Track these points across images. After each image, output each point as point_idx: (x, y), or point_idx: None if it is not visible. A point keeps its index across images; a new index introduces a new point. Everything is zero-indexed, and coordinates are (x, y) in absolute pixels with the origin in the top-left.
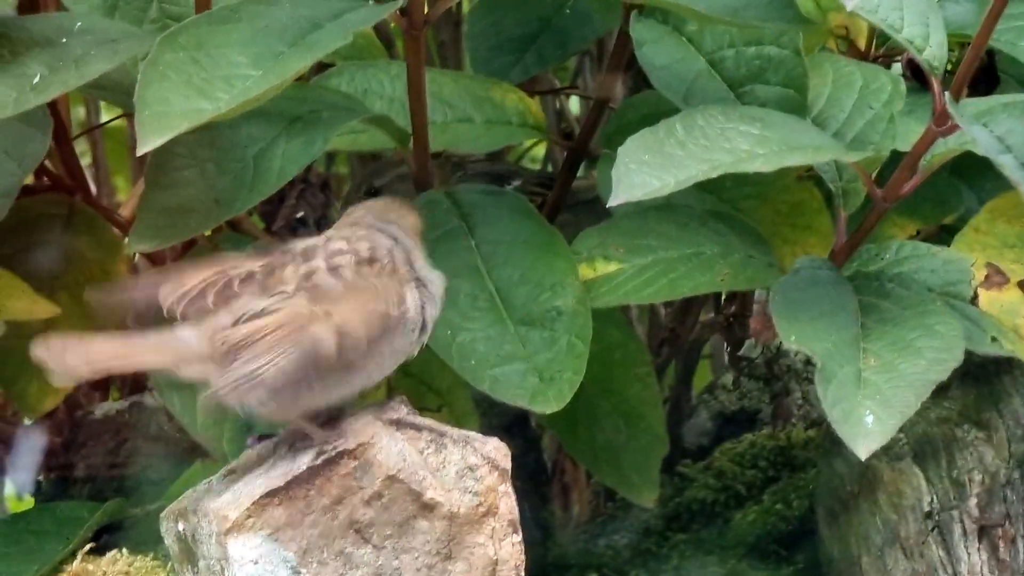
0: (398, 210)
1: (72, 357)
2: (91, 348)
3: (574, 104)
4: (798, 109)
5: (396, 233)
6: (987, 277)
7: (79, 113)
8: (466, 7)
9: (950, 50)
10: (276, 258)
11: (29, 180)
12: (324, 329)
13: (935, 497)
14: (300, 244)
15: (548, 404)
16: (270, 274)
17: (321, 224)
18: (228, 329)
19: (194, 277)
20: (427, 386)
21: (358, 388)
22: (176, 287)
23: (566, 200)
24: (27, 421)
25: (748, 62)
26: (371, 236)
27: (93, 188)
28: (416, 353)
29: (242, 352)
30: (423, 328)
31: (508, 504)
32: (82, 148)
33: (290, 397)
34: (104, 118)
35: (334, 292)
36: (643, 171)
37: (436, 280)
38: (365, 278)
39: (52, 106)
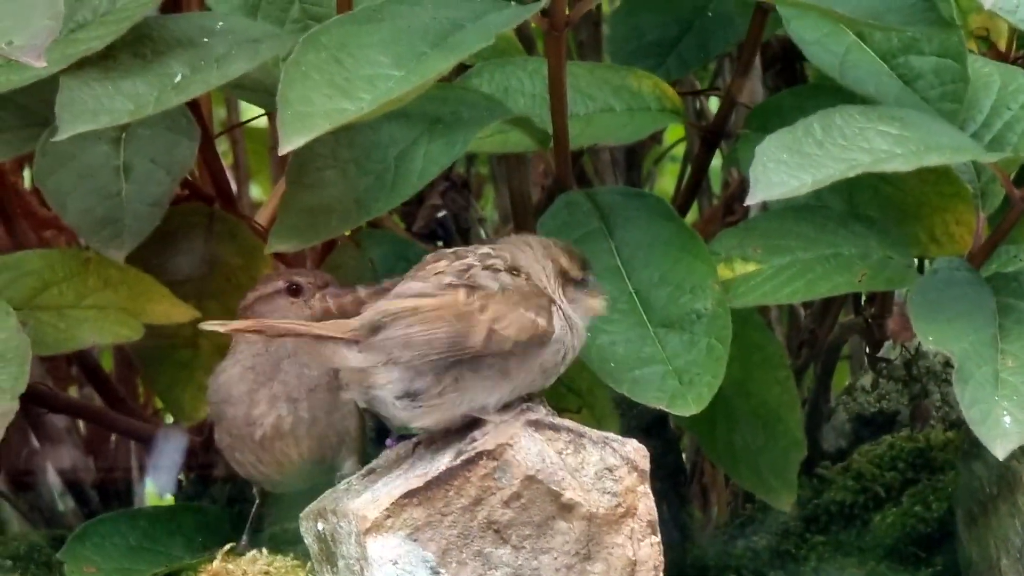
0: (549, 247)
1: (250, 326)
2: (268, 321)
3: (714, 105)
4: (958, 79)
5: (549, 269)
6: None
7: (220, 114)
8: (606, 8)
9: None
10: (423, 262)
11: None
12: (477, 331)
13: None
14: (447, 249)
15: (687, 407)
16: (420, 268)
17: (461, 224)
18: (384, 305)
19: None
20: (567, 387)
21: (506, 396)
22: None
23: (700, 185)
24: (168, 420)
25: (899, 33)
26: (522, 254)
27: (234, 188)
28: (552, 380)
29: (397, 324)
30: (564, 356)
31: (647, 505)
32: (223, 149)
33: (439, 385)
34: (244, 120)
35: (490, 291)
36: (781, 170)
37: (579, 323)
38: (519, 288)
39: (195, 112)
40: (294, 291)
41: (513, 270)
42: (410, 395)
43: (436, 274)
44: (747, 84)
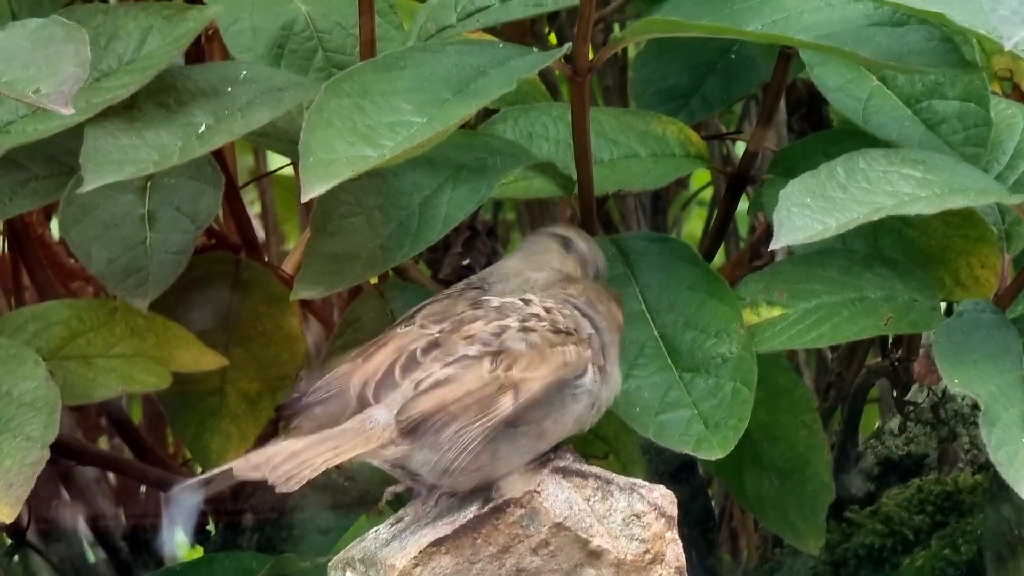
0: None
1: (288, 467)
2: (300, 453)
3: (740, 150)
4: (981, 123)
5: (599, 323)
6: None
7: (247, 162)
8: (631, 53)
9: None
10: (462, 311)
11: None
12: (506, 399)
13: None
14: (496, 300)
15: (713, 451)
16: (455, 331)
17: None
18: (410, 400)
19: (377, 358)
20: (594, 433)
21: (543, 449)
22: (363, 373)
23: (726, 229)
24: (197, 470)
25: (922, 78)
26: (572, 314)
27: (262, 236)
28: (585, 429)
29: (427, 428)
30: (597, 407)
31: (675, 551)
32: (251, 196)
33: (476, 463)
34: (272, 167)
35: (518, 353)
36: (805, 214)
37: (615, 377)
38: (552, 344)
39: (220, 161)
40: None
41: (556, 331)
42: (447, 472)
43: (467, 337)
44: (772, 129)
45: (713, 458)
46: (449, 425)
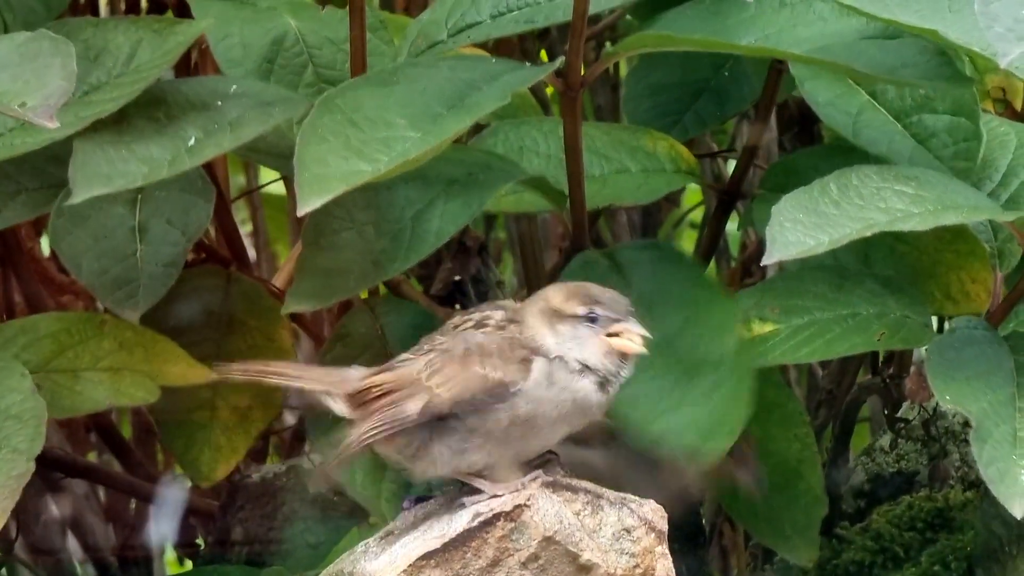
0: (550, 289)
1: (247, 367)
2: (273, 365)
3: (731, 167)
4: (971, 137)
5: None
6: None
7: (239, 181)
8: (624, 70)
9: None
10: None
11: None
12: (414, 401)
13: None
14: (484, 314)
15: (705, 456)
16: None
17: (480, 288)
18: (371, 373)
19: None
20: None
21: (490, 458)
22: None
23: (717, 245)
24: (187, 484)
25: (912, 92)
26: (528, 306)
27: (253, 255)
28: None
29: (362, 403)
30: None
31: (665, 566)
32: (243, 216)
33: (411, 447)
34: (262, 184)
35: (454, 353)
36: (797, 230)
37: (575, 364)
38: (486, 345)
39: (210, 175)
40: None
41: (507, 324)
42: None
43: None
44: (763, 145)
45: (707, 460)
46: (373, 407)
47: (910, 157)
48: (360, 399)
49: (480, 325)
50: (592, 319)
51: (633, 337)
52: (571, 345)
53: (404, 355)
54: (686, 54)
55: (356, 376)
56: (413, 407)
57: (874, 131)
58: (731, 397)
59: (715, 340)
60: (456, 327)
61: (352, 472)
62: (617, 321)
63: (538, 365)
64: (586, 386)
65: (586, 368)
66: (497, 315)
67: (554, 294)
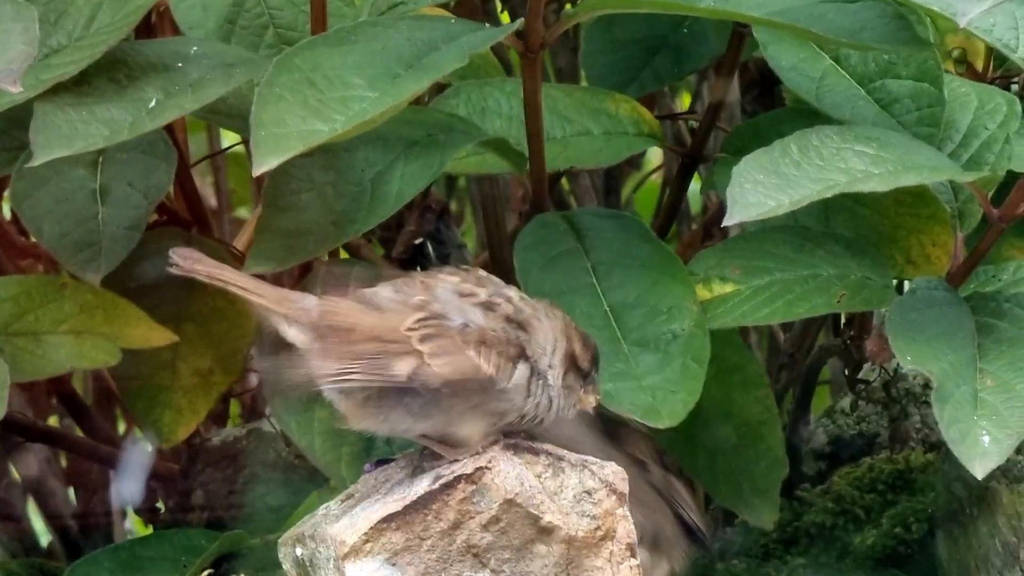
0: (572, 329)
1: (202, 264)
2: (222, 268)
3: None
4: (935, 103)
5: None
6: None
7: (202, 143)
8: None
9: None
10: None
11: None
12: (405, 361)
13: None
14: (484, 272)
15: (660, 421)
16: (431, 275)
17: (441, 250)
18: (337, 305)
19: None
20: None
21: (440, 428)
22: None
23: (679, 208)
24: (147, 448)
25: (876, 57)
26: (540, 319)
27: (215, 217)
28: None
29: (330, 336)
30: (524, 418)
31: (626, 528)
32: (209, 179)
33: (362, 393)
34: (226, 147)
35: (450, 325)
36: (758, 191)
37: (557, 403)
38: (484, 333)
39: (172, 138)
40: None
41: (511, 320)
42: (343, 393)
43: (426, 286)
44: (725, 109)
45: (662, 427)
46: (344, 347)
47: (873, 122)
48: (331, 333)
49: (488, 306)
50: (588, 377)
51: (594, 398)
52: (564, 392)
53: (375, 289)
54: (646, 12)
55: (314, 304)
56: (402, 368)
57: (837, 96)
58: (681, 375)
59: (670, 317)
60: (447, 283)
61: (311, 436)
62: (596, 384)
63: (521, 371)
64: (550, 418)
65: (556, 405)
66: (510, 299)
67: (575, 337)
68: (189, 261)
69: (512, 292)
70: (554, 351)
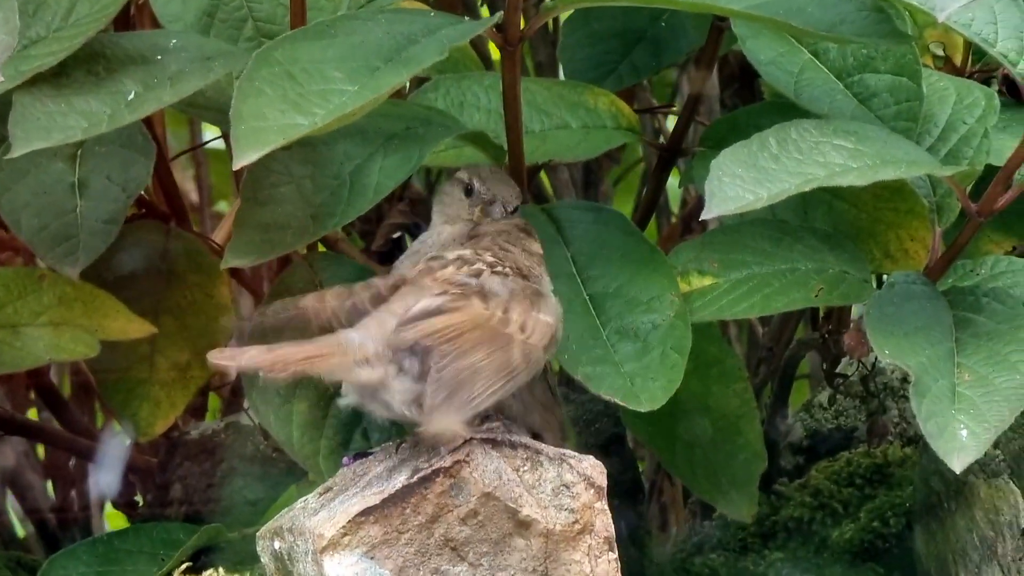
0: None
1: (264, 359)
2: (276, 351)
3: (671, 124)
4: (913, 97)
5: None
6: None
7: (183, 138)
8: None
9: None
10: (424, 266)
11: None
12: (514, 339)
13: None
14: (449, 253)
15: (640, 405)
16: (426, 275)
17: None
18: (403, 326)
19: (338, 297)
20: None
21: (508, 392)
22: (323, 304)
23: (657, 201)
24: (124, 440)
25: (854, 51)
26: (518, 254)
27: (196, 211)
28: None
29: (430, 348)
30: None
31: (604, 521)
32: (189, 172)
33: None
34: (206, 140)
35: (502, 297)
36: (736, 184)
37: (556, 304)
38: (524, 289)
39: (150, 131)
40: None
41: (519, 274)
42: (420, 403)
43: (444, 280)
44: (704, 103)
45: (642, 410)
46: (460, 361)
47: (851, 116)
48: (430, 354)
49: (499, 272)
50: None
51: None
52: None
53: (414, 301)
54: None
55: (356, 336)
56: (518, 358)
57: (816, 90)
58: (660, 363)
59: (650, 308)
60: (454, 272)
61: (289, 430)
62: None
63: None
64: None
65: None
66: (502, 256)
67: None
68: (242, 360)
69: (489, 256)
70: (540, 266)
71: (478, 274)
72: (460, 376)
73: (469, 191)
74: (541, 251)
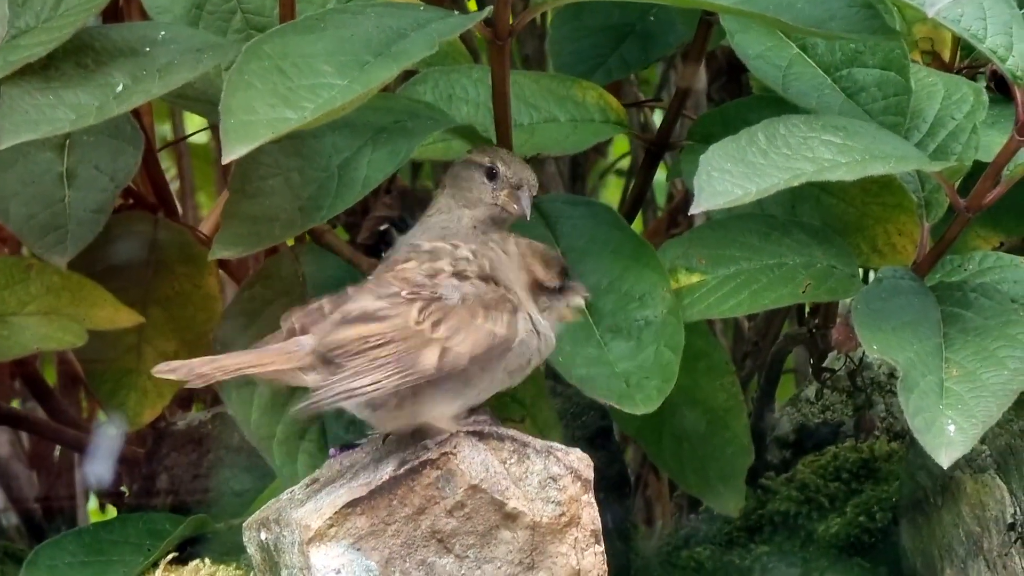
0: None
1: (204, 369)
2: (219, 360)
3: (659, 119)
4: (901, 91)
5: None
6: None
7: (165, 131)
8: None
9: None
10: (399, 254)
11: None
12: (429, 353)
13: (1018, 509)
14: (427, 244)
15: (635, 407)
16: (388, 268)
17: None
18: (334, 328)
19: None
20: (511, 397)
21: (471, 401)
22: (300, 310)
23: (644, 195)
24: (111, 430)
25: (843, 46)
26: (500, 260)
27: (178, 204)
28: (518, 381)
29: (344, 358)
30: (530, 360)
31: (590, 514)
32: (167, 165)
33: (399, 408)
34: (188, 134)
35: (449, 303)
36: (725, 179)
37: (547, 331)
38: (481, 296)
39: (139, 122)
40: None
41: (485, 277)
42: (371, 406)
43: (401, 279)
44: (692, 96)
45: (637, 412)
46: (360, 361)
47: (840, 111)
48: (342, 351)
49: (461, 275)
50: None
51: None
52: (545, 314)
53: (353, 302)
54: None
55: (310, 341)
56: (429, 360)
57: (804, 84)
58: (655, 362)
59: (643, 304)
60: (412, 270)
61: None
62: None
63: (521, 322)
64: (535, 343)
65: (546, 333)
66: (468, 258)
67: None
68: (182, 371)
69: (464, 250)
70: (521, 287)
71: (435, 274)
72: (357, 374)
73: (492, 174)
74: (544, 278)
